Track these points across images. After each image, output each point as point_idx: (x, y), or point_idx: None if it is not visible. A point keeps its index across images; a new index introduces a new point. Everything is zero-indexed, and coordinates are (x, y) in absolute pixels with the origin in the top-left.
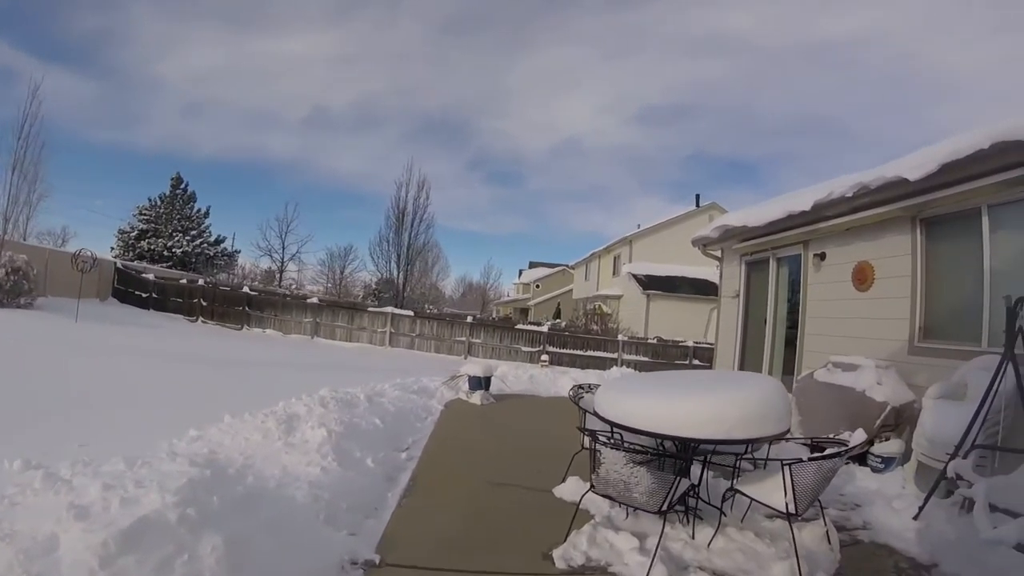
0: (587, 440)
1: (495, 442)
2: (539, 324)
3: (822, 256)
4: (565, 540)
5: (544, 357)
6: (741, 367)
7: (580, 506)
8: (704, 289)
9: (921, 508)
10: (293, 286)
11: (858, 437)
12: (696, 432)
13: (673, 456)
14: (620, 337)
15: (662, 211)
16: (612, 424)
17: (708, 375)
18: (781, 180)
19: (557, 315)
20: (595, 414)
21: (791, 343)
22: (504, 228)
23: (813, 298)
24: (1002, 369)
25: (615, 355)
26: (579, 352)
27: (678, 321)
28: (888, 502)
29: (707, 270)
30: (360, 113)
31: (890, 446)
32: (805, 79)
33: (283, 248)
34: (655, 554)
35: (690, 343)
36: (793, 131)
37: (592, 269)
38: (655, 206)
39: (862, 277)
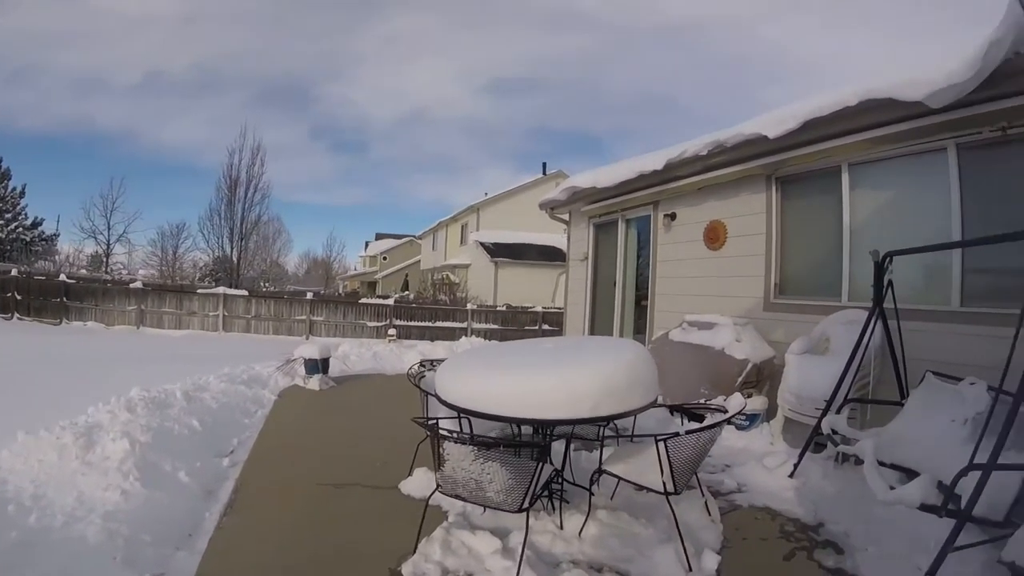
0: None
1: (334, 433)
2: (386, 297)
3: (672, 216)
4: (415, 551)
5: (391, 332)
6: (592, 331)
7: (429, 504)
8: (551, 255)
9: (796, 465)
10: (123, 271)
11: (736, 403)
12: (557, 412)
13: (531, 445)
14: (469, 306)
15: (509, 181)
16: (456, 409)
17: (565, 343)
18: (623, 154)
19: (405, 287)
20: (437, 397)
21: (642, 304)
22: (349, 199)
23: (664, 258)
24: (871, 323)
25: (464, 324)
26: (428, 324)
27: (526, 287)
28: (759, 460)
29: (554, 236)
30: (197, 78)
31: (753, 403)
32: (648, 58)
33: (108, 229)
34: (521, 557)
35: (539, 309)
36: (636, 107)
37: (440, 238)
38: (502, 176)
39: (714, 236)
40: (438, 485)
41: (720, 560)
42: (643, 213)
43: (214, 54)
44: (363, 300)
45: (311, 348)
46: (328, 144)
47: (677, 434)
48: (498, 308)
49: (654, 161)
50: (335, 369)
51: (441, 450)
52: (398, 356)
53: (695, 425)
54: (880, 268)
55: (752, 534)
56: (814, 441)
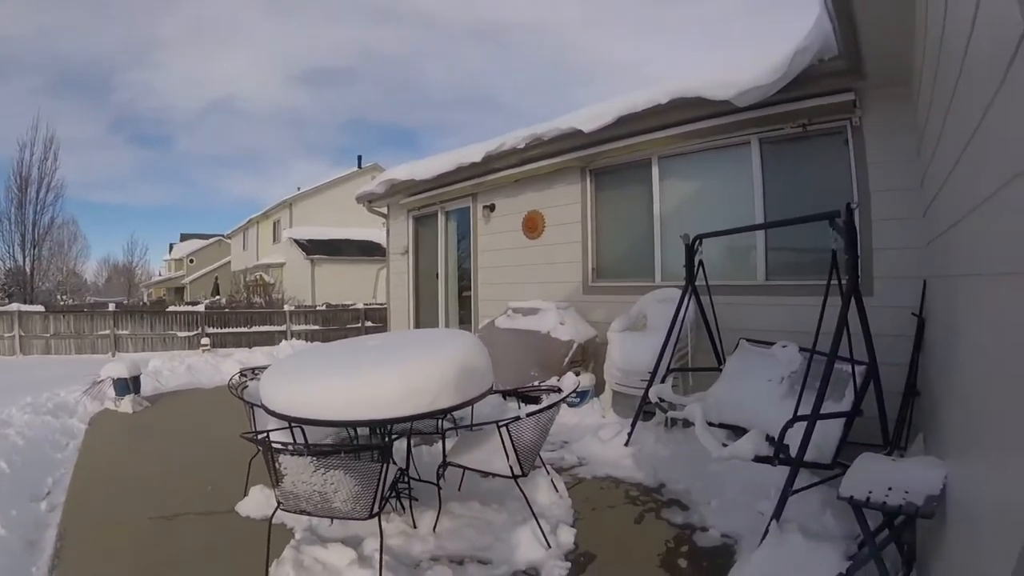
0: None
1: (156, 459)
2: (196, 304)
3: (492, 207)
4: None
5: (204, 341)
6: (417, 324)
7: (272, 523)
8: (370, 250)
9: (630, 434)
10: None
11: (569, 381)
12: (395, 410)
13: (373, 448)
14: (287, 307)
15: (324, 175)
16: (286, 419)
17: (393, 339)
18: (440, 148)
19: (216, 291)
20: (264, 408)
21: (466, 295)
22: (152, 199)
23: (485, 249)
24: (685, 299)
25: (283, 327)
26: (244, 329)
27: (345, 284)
28: (594, 434)
29: (372, 231)
30: None
31: (582, 380)
32: (467, 55)
33: None
34: (380, 563)
35: (360, 306)
36: (453, 103)
37: (251, 237)
38: (316, 171)
39: (533, 226)
40: (279, 503)
41: (576, 532)
42: (463, 205)
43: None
44: (171, 309)
45: (119, 366)
46: (128, 137)
47: (518, 418)
48: (318, 308)
49: (473, 153)
50: (147, 387)
51: (277, 465)
52: (215, 367)
53: (534, 407)
54: (691, 249)
55: (601, 503)
56: (643, 410)
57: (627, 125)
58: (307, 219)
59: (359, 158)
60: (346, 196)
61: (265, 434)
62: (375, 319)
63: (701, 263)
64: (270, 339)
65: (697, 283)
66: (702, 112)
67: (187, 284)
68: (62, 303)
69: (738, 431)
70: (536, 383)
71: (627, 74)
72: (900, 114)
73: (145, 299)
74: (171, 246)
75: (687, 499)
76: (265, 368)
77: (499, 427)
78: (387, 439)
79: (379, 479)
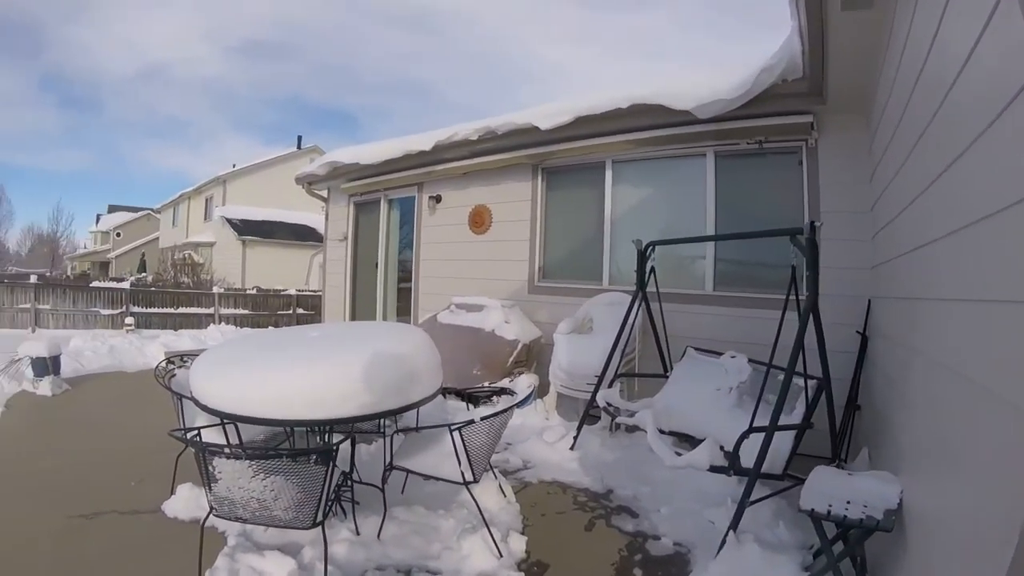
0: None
1: (77, 450)
2: (121, 280)
3: (438, 199)
4: None
5: (128, 321)
6: (353, 315)
7: (204, 526)
8: (303, 235)
9: (576, 438)
10: None
11: (523, 383)
12: (340, 410)
13: (319, 451)
14: (216, 289)
15: (259, 154)
16: (219, 415)
17: (334, 330)
18: (378, 134)
19: (143, 268)
20: (194, 401)
21: (405, 287)
22: (80, 164)
23: (428, 240)
24: (635, 304)
25: (211, 310)
26: (171, 310)
27: (277, 269)
28: (539, 436)
29: (308, 215)
30: None
31: (525, 381)
32: (408, 41)
33: None
34: (325, 574)
35: (293, 292)
36: (390, 88)
37: (181, 213)
38: (249, 149)
39: (479, 220)
40: (212, 508)
41: (527, 540)
42: (408, 194)
43: None
44: (95, 284)
45: (38, 345)
46: (57, 98)
47: (472, 422)
48: (248, 291)
49: (422, 142)
50: (68, 368)
51: (211, 468)
52: (139, 349)
53: (489, 410)
54: (642, 256)
55: (549, 509)
56: (588, 414)
57: (585, 126)
58: (241, 198)
59: (299, 139)
60: (283, 177)
61: (196, 432)
62: (307, 306)
63: (653, 270)
64: (197, 322)
65: (648, 289)
66: (660, 120)
67: (113, 259)
68: None
69: (684, 439)
70: (485, 384)
71: (560, 78)
72: (854, 140)
73: (69, 272)
74: (98, 217)
75: (636, 506)
76: (193, 354)
77: (451, 431)
78: (330, 441)
79: (324, 485)
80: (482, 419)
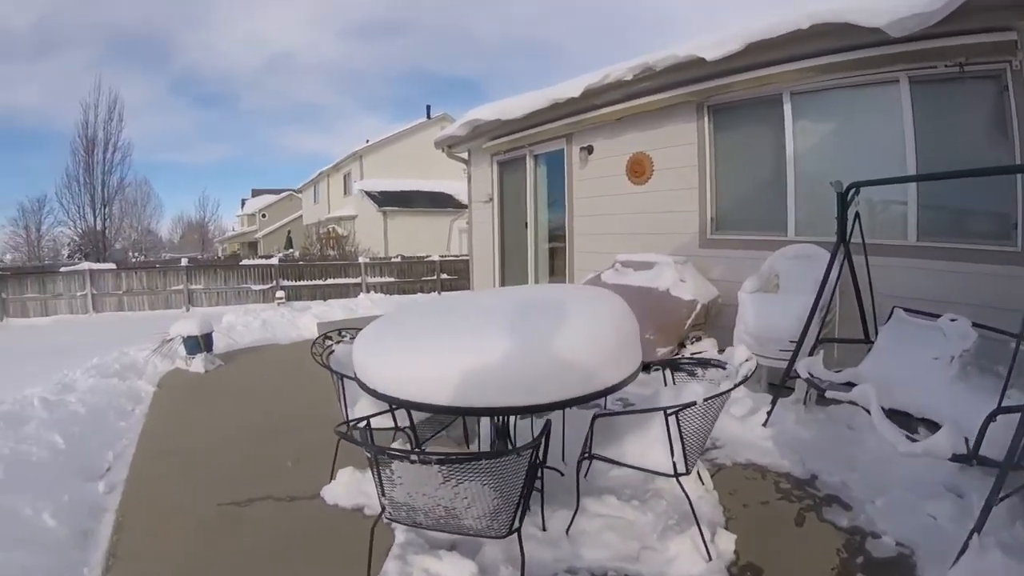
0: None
1: (229, 428)
2: (269, 257)
3: (589, 150)
4: None
5: (279, 294)
6: (503, 279)
7: (366, 518)
8: (441, 201)
9: (770, 413)
10: None
11: (740, 354)
12: (547, 391)
13: (524, 449)
14: (361, 259)
15: (390, 127)
16: (393, 401)
17: (513, 297)
18: (502, 96)
19: (289, 245)
20: (360, 384)
21: (558, 246)
22: (219, 156)
23: (581, 195)
24: (837, 259)
25: (359, 280)
26: (319, 282)
27: (418, 236)
28: (726, 409)
29: (443, 182)
30: (42, 35)
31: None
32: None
33: None
34: None
35: (436, 257)
36: (511, 50)
37: (321, 190)
38: (378, 125)
39: (639, 170)
40: (384, 509)
41: (736, 539)
42: (555, 148)
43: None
44: (244, 262)
45: (189, 324)
46: (191, 98)
47: (693, 403)
48: (392, 259)
49: (570, 88)
50: (220, 344)
51: (389, 472)
52: (291, 321)
53: (709, 390)
54: (844, 200)
55: (751, 498)
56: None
57: (758, 53)
58: (378, 171)
59: (428, 108)
60: (416, 147)
61: (365, 422)
62: (451, 271)
63: (857, 216)
64: (345, 292)
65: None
66: (845, 42)
67: (260, 239)
68: (136, 260)
69: (899, 416)
70: (664, 349)
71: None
72: None
73: (219, 254)
74: (243, 201)
75: (846, 495)
76: (351, 328)
77: (667, 415)
78: (540, 435)
79: (523, 487)
80: (705, 400)
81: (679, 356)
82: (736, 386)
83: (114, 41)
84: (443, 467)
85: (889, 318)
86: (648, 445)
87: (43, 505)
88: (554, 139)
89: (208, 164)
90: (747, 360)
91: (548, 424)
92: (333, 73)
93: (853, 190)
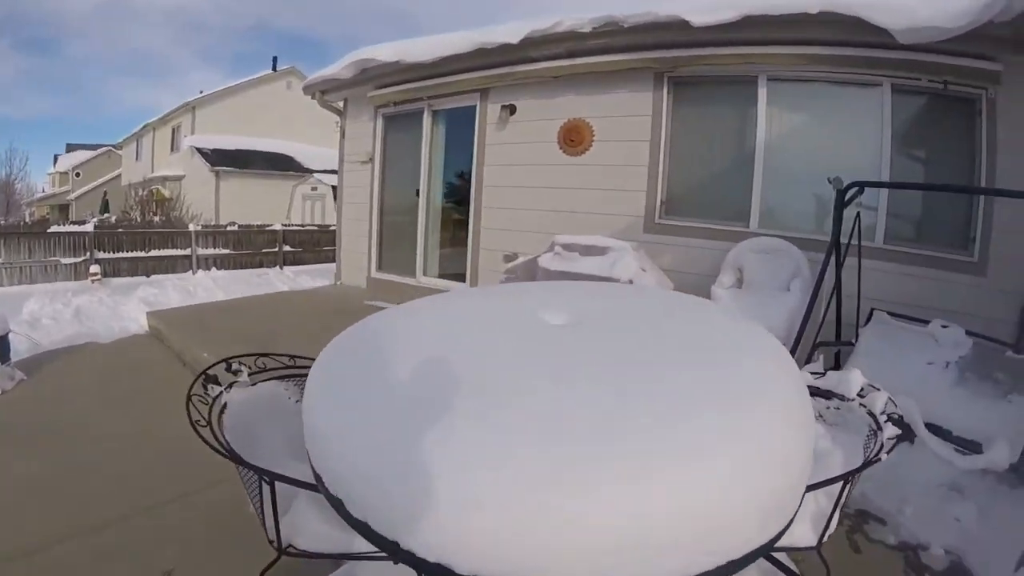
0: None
1: (44, 500)
2: (82, 223)
3: (512, 109)
4: None
5: (94, 268)
6: (380, 259)
7: None
8: (282, 164)
9: None
10: None
11: (857, 380)
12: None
13: None
14: (192, 227)
15: (229, 77)
16: None
17: (606, 309)
18: None
19: (105, 208)
20: (338, 507)
21: (459, 219)
22: (39, 109)
23: (495, 162)
24: (831, 259)
25: (188, 251)
26: (141, 254)
27: (255, 202)
28: None
29: (286, 143)
30: None
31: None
32: None
33: None
34: None
35: (278, 227)
36: (369, 16)
37: (145, 145)
38: (217, 80)
39: (575, 138)
40: None
41: None
42: (464, 103)
43: None
44: (54, 229)
45: None
46: (10, 42)
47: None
48: (228, 228)
49: (506, 33)
50: (20, 347)
51: None
52: (112, 309)
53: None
54: (842, 198)
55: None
56: None
57: (750, 29)
58: (212, 127)
59: (274, 59)
60: (258, 102)
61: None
62: (294, 243)
63: (858, 216)
64: (172, 266)
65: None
66: (843, 36)
67: (73, 201)
68: None
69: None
70: None
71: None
72: None
73: (27, 218)
74: (56, 158)
75: (873, 507)
76: (241, 355)
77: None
78: None
79: None
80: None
81: None
82: (895, 444)
83: None
84: None
85: (868, 320)
86: None
87: None
88: (465, 93)
89: (24, 119)
90: (886, 401)
91: None
92: (172, 18)
93: (853, 190)
